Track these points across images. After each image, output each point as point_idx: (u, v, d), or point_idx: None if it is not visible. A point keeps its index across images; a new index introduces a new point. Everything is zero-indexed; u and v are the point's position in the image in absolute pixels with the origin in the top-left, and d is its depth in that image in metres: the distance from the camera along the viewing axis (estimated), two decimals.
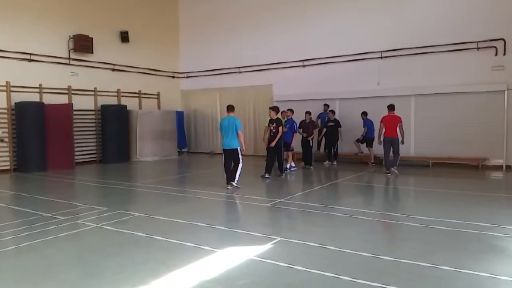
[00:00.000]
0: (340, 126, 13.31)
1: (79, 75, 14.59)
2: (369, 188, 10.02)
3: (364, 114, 13.35)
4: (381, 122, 11.11)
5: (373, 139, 12.88)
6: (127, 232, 5.73)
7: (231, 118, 9.16)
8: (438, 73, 12.82)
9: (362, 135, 13.32)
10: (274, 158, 10.85)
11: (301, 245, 5.03)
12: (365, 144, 13.30)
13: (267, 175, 10.62)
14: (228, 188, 8.95)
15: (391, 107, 11.08)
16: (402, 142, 11.10)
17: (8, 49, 12.64)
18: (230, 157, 9.14)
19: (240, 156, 9.15)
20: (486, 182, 10.60)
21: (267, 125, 11.76)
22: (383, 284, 3.80)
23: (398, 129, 10.85)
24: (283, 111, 12.09)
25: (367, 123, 13.19)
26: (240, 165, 9.13)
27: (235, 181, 9.08)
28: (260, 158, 14.61)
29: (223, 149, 9.28)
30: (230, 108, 9.35)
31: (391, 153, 11.03)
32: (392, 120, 10.92)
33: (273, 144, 10.56)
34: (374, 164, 12.99)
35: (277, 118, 10.90)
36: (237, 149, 9.09)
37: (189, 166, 14.93)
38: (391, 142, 10.90)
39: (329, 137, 13.42)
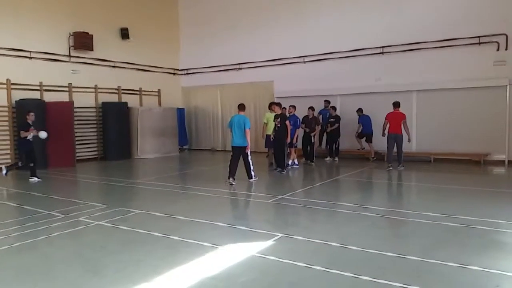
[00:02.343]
0: (339, 123, 13.29)
1: (80, 73, 14.57)
2: (371, 184, 9.99)
3: (360, 110, 13.39)
4: (385, 118, 11.25)
5: (371, 134, 12.98)
6: (129, 229, 5.71)
7: (241, 117, 9.34)
8: (439, 69, 12.75)
9: (357, 132, 13.38)
10: (280, 152, 10.89)
11: (303, 242, 5.02)
12: (365, 138, 13.37)
13: (279, 169, 10.82)
14: (231, 184, 9.01)
15: (396, 104, 11.22)
16: (409, 140, 11.27)
17: (9, 46, 12.60)
18: (238, 154, 9.36)
19: (248, 152, 9.39)
20: (488, 177, 10.56)
21: (265, 121, 11.77)
22: (386, 280, 3.77)
23: (402, 125, 10.98)
24: (283, 108, 12.05)
25: (362, 120, 13.26)
26: (250, 162, 9.42)
27: (252, 177, 9.42)
28: (261, 154, 14.59)
29: (232, 146, 9.52)
30: (241, 107, 9.61)
31: (394, 149, 11.11)
32: (396, 117, 11.07)
33: (288, 140, 10.77)
34: (375, 159, 13.01)
35: (282, 113, 10.96)
36: (245, 147, 9.28)
37: (190, 163, 14.90)
38: (395, 139, 11.04)
39: (330, 133, 13.39)
